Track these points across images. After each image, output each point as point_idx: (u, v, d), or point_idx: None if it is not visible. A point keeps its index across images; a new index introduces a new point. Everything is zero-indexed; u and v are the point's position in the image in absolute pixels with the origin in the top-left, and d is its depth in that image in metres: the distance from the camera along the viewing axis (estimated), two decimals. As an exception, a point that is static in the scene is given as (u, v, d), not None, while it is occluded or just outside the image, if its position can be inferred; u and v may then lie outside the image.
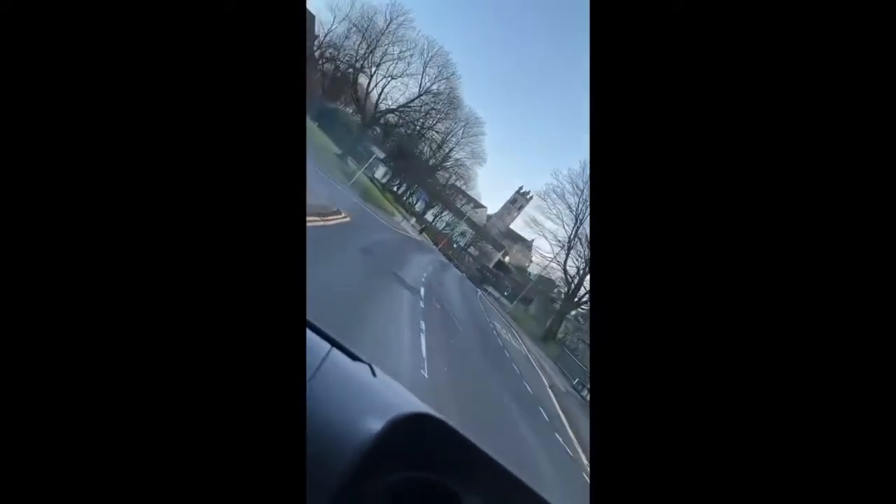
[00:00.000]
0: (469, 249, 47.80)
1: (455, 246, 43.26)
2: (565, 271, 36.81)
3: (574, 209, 38.46)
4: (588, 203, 36.45)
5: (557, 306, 37.80)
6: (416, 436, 0.62)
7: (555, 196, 38.81)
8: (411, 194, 43.22)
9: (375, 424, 0.58)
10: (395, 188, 41.60)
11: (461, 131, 41.59)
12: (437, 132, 40.79)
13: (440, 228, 45.81)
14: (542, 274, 44.23)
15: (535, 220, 46.19)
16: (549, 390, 13.23)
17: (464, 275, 36.15)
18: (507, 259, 52.88)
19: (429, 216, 45.78)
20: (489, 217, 56.81)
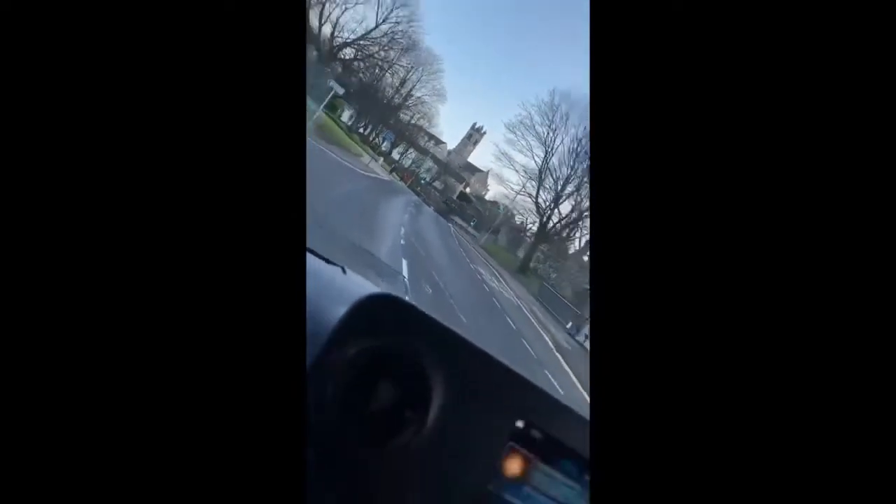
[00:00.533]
0: (434, 184, 52.15)
1: (423, 182, 47.41)
2: (537, 204, 36.24)
3: (543, 140, 38.57)
4: (557, 133, 37.66)
5: (527, 238, 39.13)
6: (379, 313, 0.67)
7: (523, 128, 39.18)
8: (377, 135, 45.73)
9: (342, 308, 0.66)
10: (360, 129, 43.75)
11: (421, 69, 43.29)
12: (400, 66, 42.03)
13: (407, 166, 49.70)
14: (510, 206, 47.35)
15: (505, 154, 48.36)
16: (556, 353, 12.70)
17: (433, 209, 39.54)
18: (467, 190, 57.71)
19: (395, 155, 49.42)
20: (449, 153, 60.96)
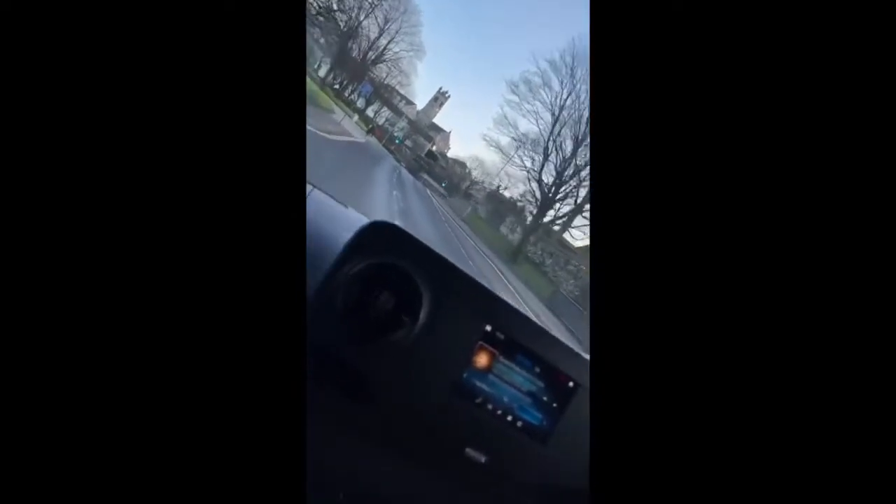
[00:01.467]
0: (406, 142, 55.13)
1: (397, 142, 50.28)
2: (540, 182, 30.21)
3: (551, 103, 31.33)
4: (577, 97, 29.95)
5: (518, 215, 34.20)
6: (379, 235, 0.81)
7: (529, 88, 32.57)
8: (353, 91, 46.60)
9: (346, 234, 0.80)
10: (336, 85, 44.44)
11: (401, 19, 41.86)
12: (376, 18, 40.85)
13: (380, 124, 52.01)
14: (500, 176, 43.05)
15: (505, 118, 43.23)
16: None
17: (405, 168, 40.30)
18: (434, 148, 61.09)
19: (369, 112, 51.49)
20: (417, 113, 63.85)
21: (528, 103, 32.52)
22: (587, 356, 0.87)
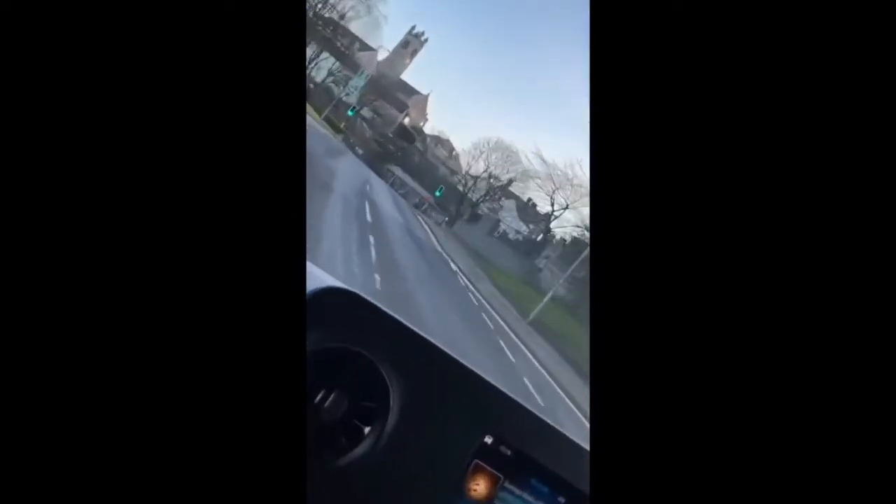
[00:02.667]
0: (362, 111, 34.48)
1: (349, 115, 29.53)
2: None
3: None
4: None
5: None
6: (332, 308, 0.61)
7: None
8: None
9: None
10: None
11: None
12: None
13: (318, 81, 31.70)
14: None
15: None
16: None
17: (361, 154, 25.11)
18: (407, 121, 40.77)
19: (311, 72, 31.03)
20: (378, 65, 42.80)
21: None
22: None
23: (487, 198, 36.76)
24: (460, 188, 36.79)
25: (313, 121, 20.99)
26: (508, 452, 0.61)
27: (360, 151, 27.22)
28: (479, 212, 35.45)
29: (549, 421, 0.63)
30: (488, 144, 37.82)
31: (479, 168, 37.95)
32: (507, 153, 37.66)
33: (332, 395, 0.57)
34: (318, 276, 0.71)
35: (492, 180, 36.85)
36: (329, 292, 0.61)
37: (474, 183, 36.77)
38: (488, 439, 0.61)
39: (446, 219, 32.33)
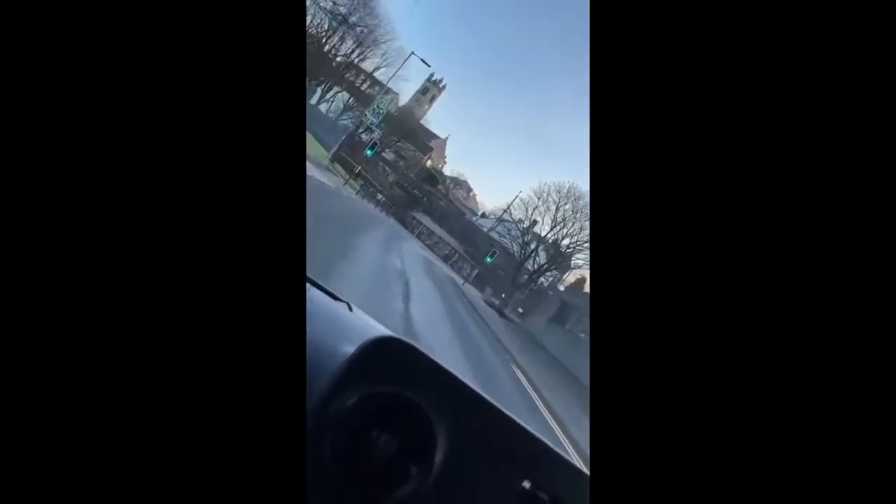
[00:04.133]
0: (384, 154, 32.37)
1: (368, 154, 26.92)
2: None
3: None
4: None
5: None
6: (386, 356, 0.64)
7: None
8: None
9: (351, 349, 0.64)
10: None
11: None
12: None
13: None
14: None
15: None
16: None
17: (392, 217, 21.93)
18: (429, 164, 38.87)
19: (322, 105, 29.24)
20: (398, 110, 41.43)
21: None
22: None
23: (552, 267, 28.41)
24: (514, 252, 28.42)
25: (314, 167, 16.54)
26: (546, 497, 0.63)
27: (381, 198, 24.71)
28: (541, 286, 27.38)
29: (584, 469, 0.65)
30: (558, 191, 29.25)
31: (527, 218, 29.82)
32: (581, 202, 28.98)
33: (382, 438, 0.61)
34: (371, 326, 0.82)
35: (566, 241, 28.62)
36: (383, 342, 0.65)
37: (536, 247, 28.93)
38: (526, 484, 0.64)
39: (477, 271, 27.80)
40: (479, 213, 40.90)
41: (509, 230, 28.13)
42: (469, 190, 46.38)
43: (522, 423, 0.65)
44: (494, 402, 0.65)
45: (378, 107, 28.24)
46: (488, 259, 24.62)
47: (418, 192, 31.71)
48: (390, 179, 31.04)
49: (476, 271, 28.25)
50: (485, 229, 32.62)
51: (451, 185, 42.99)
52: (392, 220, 23.19)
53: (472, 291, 23.35)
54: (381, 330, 0.75)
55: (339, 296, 0.90)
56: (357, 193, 18.52)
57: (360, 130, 29.18)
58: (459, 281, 23.62)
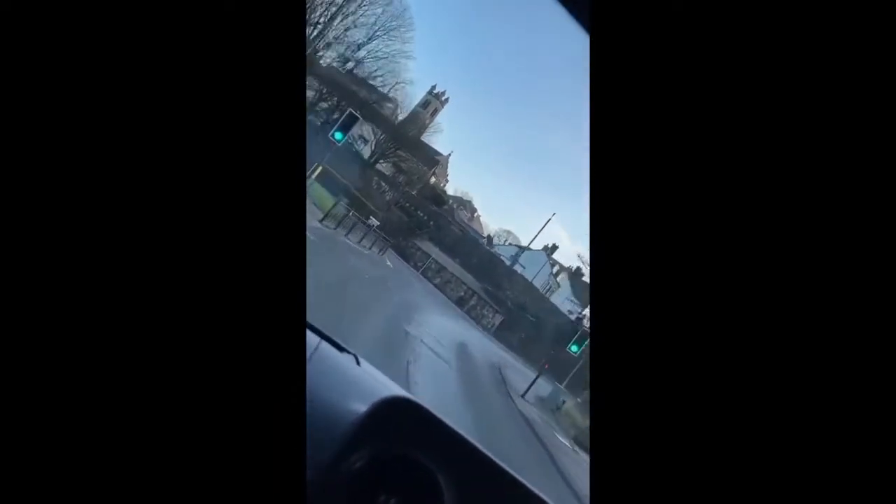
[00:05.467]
0: (378, 166, 27.94)
1: (336, 139, 21.58)
2: None
3: None
4: None
5: None
6: (396, 417, 0.66)
7: None
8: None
9: (360, 407, 0.65)
10: None
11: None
12: None
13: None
14: None
15: None
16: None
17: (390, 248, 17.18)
18: (432, 181, 34.70)
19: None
20: (397, 125, 37.41)
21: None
22: None
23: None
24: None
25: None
26: None
27: (376, 222, 19.99)
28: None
29: None
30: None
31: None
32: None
33: (392, 500, 0.62)
34: (380, 382, 0.80)
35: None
36: (393, 402, 0.66)
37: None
38: None
39: (502, 319, 21.35)
40: (485, 237, 36.85)
41: (538, 260, 22.98)
42: (473, 211, 42.34)
43: (536, 491, 0.64)
44: (507, 468, 0.65)
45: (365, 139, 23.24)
46: (573, 348, 13.77)
47: (423, 215, 26.95)
48: (387, 199, 26.53)
49: (501, 318, 22.44)
50: (506, 261, 27.02)
51: (455, 206, 39.03)
52: (388, 262, 17.98)
53: (508, 360, 17.01)
54: (391, 387, 0.74)
55: (348, 348, 0.89)
56: (336, 228, 13.81)
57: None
58: (496, 359, 15.88)
